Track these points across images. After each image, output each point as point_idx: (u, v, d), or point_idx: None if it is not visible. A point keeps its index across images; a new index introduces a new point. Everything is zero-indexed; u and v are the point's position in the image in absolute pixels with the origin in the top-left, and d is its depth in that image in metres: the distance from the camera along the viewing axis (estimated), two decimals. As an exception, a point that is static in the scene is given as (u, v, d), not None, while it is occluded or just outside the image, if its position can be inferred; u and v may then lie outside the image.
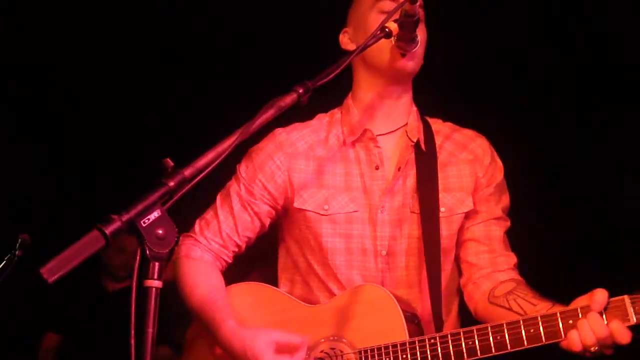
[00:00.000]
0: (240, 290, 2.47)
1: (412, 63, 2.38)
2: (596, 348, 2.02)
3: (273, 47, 4.49)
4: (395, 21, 2.15)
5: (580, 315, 2.04)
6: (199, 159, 1.70)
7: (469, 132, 2.56)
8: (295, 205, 2.44)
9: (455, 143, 2.51)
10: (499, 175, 2.50)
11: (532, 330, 2.07)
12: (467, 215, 2.44)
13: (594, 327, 2.00)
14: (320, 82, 1.94)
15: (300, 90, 1.90)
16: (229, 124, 1.83)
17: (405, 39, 2.27)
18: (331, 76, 1.97)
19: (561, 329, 2.05)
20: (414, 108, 2.51)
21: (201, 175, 1.69)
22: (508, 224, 2.50)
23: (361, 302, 2.29)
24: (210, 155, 1.72)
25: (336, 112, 2.56)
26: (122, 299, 5.07)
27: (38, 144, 5.15)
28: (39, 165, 5.19)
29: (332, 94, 2.41)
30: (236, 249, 2.51)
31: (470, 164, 2.47)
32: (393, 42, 2.27)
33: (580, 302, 2.07)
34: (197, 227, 2.51)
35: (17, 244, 3.72)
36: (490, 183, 2.47)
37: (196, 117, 4.76)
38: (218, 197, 2.53)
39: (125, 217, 1.56)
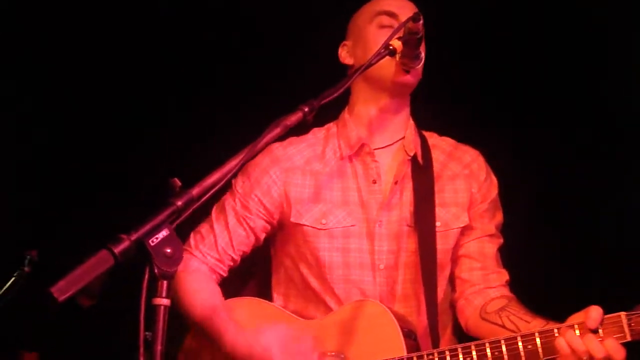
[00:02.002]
0: (236, 305, 2.47)
1: (414, 78, 2.42)
2: None
3: (275, 64, 4.50)
4: (399, 39, 2.18)
5: (577, 331, 2.04)
6: (206, 178, 1.72)
7: (465, 147, 2.58)
8: (292, 219, 2.45)
9: (451, 158, 2.54)
10: (494, 192, 2.53)
11: (529, 346, 2.08)
12: (462, 232, 2.46)
13: (588, 343, 2.02)
14: (324, 100, 1.97)
15: (306, 109, 1.92)
16: (235, 142, 1.85)
17: (409, 56, 2.29)
18: (336, 94, 2.00)
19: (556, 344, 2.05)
20: (411, 122, 2.54)
21: (208, 195, 1.70)
22: (501, 240, 2.53)
23: (359, 318, 2.30)
24: (217, 175, 1.73)
25: (332, 126, 2.59)
26: (98, 316, 5.09)
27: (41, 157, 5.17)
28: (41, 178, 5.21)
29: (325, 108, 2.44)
30: (231, 263, 2.53)
31: (466, 179, 2.50)
32: (397, 60, 2.29)
33: (575, 319, 2.08)
34: (192, 241, 2.52)
35: (25, 261, 3.75)
36: (484, 199, 2.50)
37: (201, 134, 4.77)
38: (213, 211, 2.54)
39: (134, 237, 1.58)
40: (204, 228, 2.53)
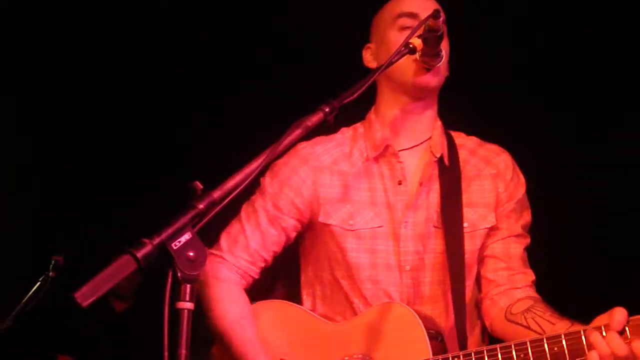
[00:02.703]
0: (264, 308, 2.46)
1: (436, 78, 2.39)
2: None
3: (300, 65, 4.51)
4: (419, 37, 2.15)
5: (604, 333, 2.02)
6: (227, 181, 1.72)
7: (492, 147, 2.55)
8: (320, 219, 2.44)
9: (478, 157, 2.51)
10: (521, 191, 2.49)
11: (555, 349, 2.06)
12: (488, 232, 2.43)
13: (613, 346, 1.99)
14: (345, 100, 1.95)
15: (327, 109, 1.91)
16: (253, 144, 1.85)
17: (430, 54, 2.27)
18: (356, 94, 1.98)
19: (585, 347, 2.04)
20: (438, 122, 2.51)
21: (230, 197, 1.70)
22: (528, 240, 2.49)
23: (385, 321, 2.29)
24: (238, 177, 1.73)
25: (359, 127, 2.57)
26: (129, 319, 5.13)
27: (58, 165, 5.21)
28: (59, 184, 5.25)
29: (354, 108, 2.43)
30: (263, 264, 2.50)
31: (493, 179, 2.46)
32: (417, 58, 2.28)
33: (600, 320, 2.06)
34: (224, 243, 2.49)
35: (50, 266, 3.78)
36: (511, 199, 2.46)
37: (221, 137, 4.79)
38: (243, 211, 2.51)
39: (156, 240, 1.58)
40: (234, 229, 2.50)
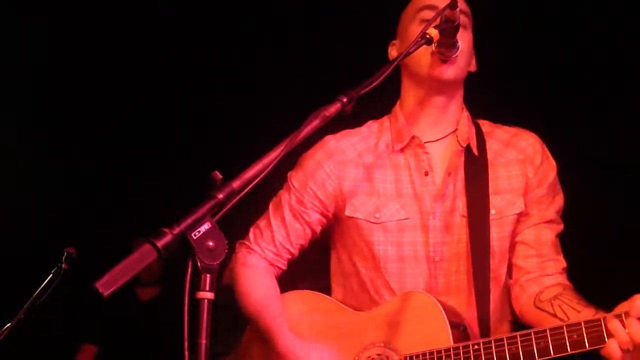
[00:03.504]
0: (292, 298, 2.51)
1: (451, 70, 2.37)
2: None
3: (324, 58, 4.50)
4: (436, 27, 2.15)
5: (624, 320, 2.01)
6: (246, 171, 1.72)
7: (519, 131, 2.53)
8: (347, 213, 2.45)
9: (505, 143, 2.49)
10: (552, 175, 2.46)
11: (575, 336, 2.05)
12: (518, 219, 2.42)
13: (632, 333, 1.99)
14: (363, 91, 1.94)
15: (344, 100, 1.90)
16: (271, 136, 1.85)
17: (446, 44, 2.27)
18: (374, 84, 1.98)
19: (604, 335, 2.03)
20: (465, 113, 2.50)
21: (249, 187, 1.70)
22: (560, 227, 2.47)
23: (408, 310, 2.30)
24: (257, 167, 1.73)
25: (385, 120, 2.57)
26: (154, 307, 5.14)
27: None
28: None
29: (381, 102, 2.45)
30: (289, 256, 2.55)
31: (521, 164, 2.44)
32: (434, 49, 2.27)
33: (621, 308, 2.05)
34: (251, 235, 2.56)
35: (63, 257, 3.78)
36: (541, 184, 2.44)
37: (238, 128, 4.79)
38: (270, 206, 2.57)
39: (176, 230, 1.58)
40: (262, 222, 2.56)
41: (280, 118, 2.63)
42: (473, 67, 2.49)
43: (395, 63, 2.05)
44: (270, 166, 1.75)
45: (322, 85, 2.65)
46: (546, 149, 2.50)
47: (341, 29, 4.31)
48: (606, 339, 2.03)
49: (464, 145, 2.43)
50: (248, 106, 4.76)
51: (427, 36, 2.12)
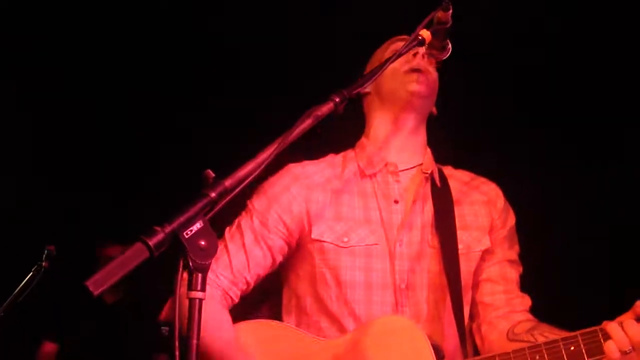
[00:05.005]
0: (249, 328, 2.34)
1: (424, 86, 2.42)
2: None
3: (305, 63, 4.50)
4: (427, 29, 2.14)
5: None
6: (239, 170, 1.70)
7: (481, 178, 2.58)
8: (313, 236, 2.35)
9: (468, 186, 2.52)
10: (512, 221, 2.51)
11: (572, 348, 2.05)
12: (483, 256, 2.43)
13: (631, 333, 2.00)
14: (356, 90, 1.95)
15: (337, 99, 1.89)
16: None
17: (437, 46, 2.26)
18: (366, 85, 1.99)
19: (603, 344, 2.03)
20: (429, 150, 2.53)
21: (242, 186, 1.68)
22: (520, 268, 2.50)
23: (385, 334, 2.21)
24: (250, 166, 1.72)
25: (349, 152, 2.55)
26: (119, 309, 5.11)
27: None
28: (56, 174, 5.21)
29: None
30: (245, 287, 2.38)
31: (485, 205, 2.48)
32: (425, 50, 2.27)
33: (621, 318, 2.06)
34: None
35: (44, 255, 3.74)
36: (504, 226, 2.48)
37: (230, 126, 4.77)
38: (227, 232, 2.41)
39: (168, 229, 1.56)
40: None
41: (274, 117, 2.60)
42: (434, 110, 2.54)
43: (388, 64, 2.05)
44: (263, 165, 1.74)
45: (316, 83, 2.62)
46: (505, 198, 2.54)
47: (340, 26, 4.29)
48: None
49: (428, 172, 2.45)
50: (240, 105, 4.74)
51: (420, 37, 2.12)
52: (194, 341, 1.56)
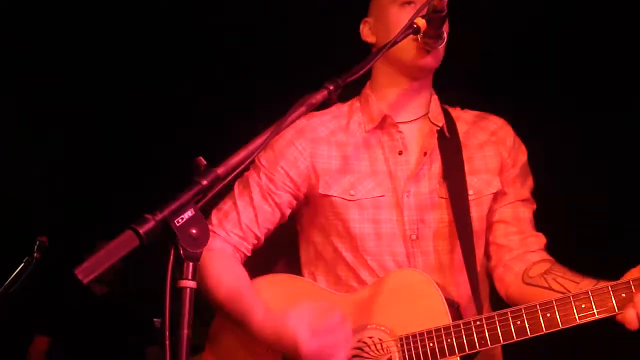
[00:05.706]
0: (266, 283, 2.39)
1: (436, 59, 2.37)
2: None
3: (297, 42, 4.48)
4: (423, 17, 2.12)
5: (633, 289, 2.00)
6: (231, 157, 1.68)
7: (489, 116, 2.53)
8: (320, 191, 2.38)
9: (477, 127, 2.49)
10: (523, 157, 2.47)
11: (583, 306, 2.04)
12: (495, 198, 2.41)
13: None
14: (349, 78, 1.93)
15: (331, 87, 1.88)
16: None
17: (432, 35, 2.23)
18: (361, 72, 1.96)
19: (614, 303, 2.02)
20: (435, 96, 2.49)
21: (234, 173, 1.67)
22: (534, 206, 2.47)
23: (399, 288, 2.23)
24: (242, 153, 1.70)
25: (355, 102, 2.52)
26: (110, 301, 5.11)
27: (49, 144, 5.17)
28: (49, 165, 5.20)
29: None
30: (255, 241, 2.42)
31: (494, 145, 2.45)
32: (419, 39, 2.24)
33: (632, 274, 2.04)
34: (214, 219, 2.41)
35: (35, 247, 3.71)
36: (515, 164, 2.44)
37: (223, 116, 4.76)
38: (236, 187, 2.43)
39: (159, 217, 1.54)
40: (226, 205, 2.42)
41: (266, 104, 2.58)
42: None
43: (382, 52, 2.03)
44: (255, 153, 1.72)
45: (309, 71, 2.60)
46: (516, 134, 2.50)
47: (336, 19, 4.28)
48: (616, 308, 2.02)
49: (439, 125, 2.42)
50: (234, 92, 4.72)
51: (415, 26, 2.09)
52: (185, 331, 1.54)
